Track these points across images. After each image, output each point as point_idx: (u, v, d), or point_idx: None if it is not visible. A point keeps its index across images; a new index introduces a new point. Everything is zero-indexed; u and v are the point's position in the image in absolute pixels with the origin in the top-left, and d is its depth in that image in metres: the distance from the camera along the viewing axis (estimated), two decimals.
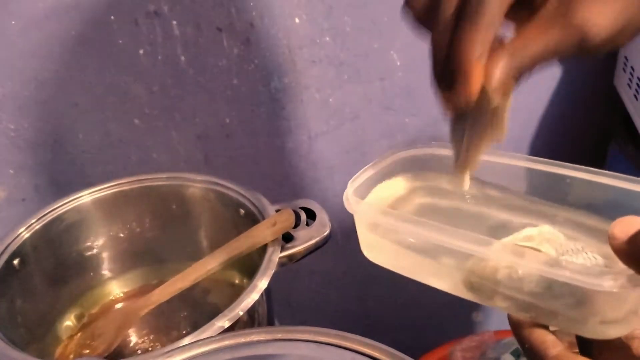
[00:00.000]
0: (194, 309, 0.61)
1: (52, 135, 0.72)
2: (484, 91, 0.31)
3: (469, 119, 0.34)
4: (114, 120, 0.73)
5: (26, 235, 0.56)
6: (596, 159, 0.93)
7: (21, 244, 0.55)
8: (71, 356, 0.55)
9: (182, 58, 0.70)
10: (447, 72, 0.31)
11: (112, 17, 0.66)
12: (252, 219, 0.56)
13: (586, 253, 0.32)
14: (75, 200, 0.60)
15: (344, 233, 0.71)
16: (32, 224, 0.57)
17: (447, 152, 0.39)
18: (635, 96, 0.75)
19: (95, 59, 0.68)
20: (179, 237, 0.64)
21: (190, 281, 0.53)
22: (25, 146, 0.71)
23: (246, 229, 0.54)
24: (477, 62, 0.30)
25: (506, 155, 0.40)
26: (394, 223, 0.35)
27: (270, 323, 0.55)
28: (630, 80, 0.77)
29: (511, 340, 0.69)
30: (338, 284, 0.96)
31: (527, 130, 0.91)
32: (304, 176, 0.84)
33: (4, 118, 0.69)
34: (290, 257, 0.53)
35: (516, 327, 0.33)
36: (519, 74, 0.31)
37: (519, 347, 0.33)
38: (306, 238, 0.54)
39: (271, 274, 0.50)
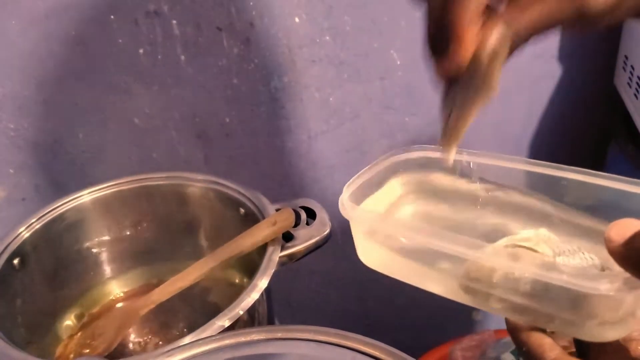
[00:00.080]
0: (194, 309, 0.61)
1: (52, 135, 0.72)
2: (476, 57, 0.31)
3: (460, 87, 0.33)
4: (114, 120, 0.73)
5: (26, 234, 0.56)
6: (596, 159, 0.93)
7: (21, 243, 0.55)
8: (71, 356, 0.55)
9: (182, 58, 0.70)
10: (441, 37, 0.31)
11: (112, 17, 0.66)
12: (252, 218, 0.56)
13: (583, 253, 0.32)
14: (75, 200, 0.60)
15: (344, 232, 0.71)
16: (32, 223, 0.57)
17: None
18: (635, 95, 0.75)
19: (95, 59, 0.68)
20: (179, 236, 0.64)
21: (190, 280, 0.53)
22: (25, 146, 0.71)
23: (246, 228, 0.54)
24: (470, 26, 0.30)
25: (503, 157, 0.40)
26: (389, 228, 0.35)
27: (270, 322, 0.55)
28: (630, 79, 0.77)
29: (511, 339, 0.69)
30: (338, 283, 0.96)
31: (527, 130, 0.91)
32: (304, 175, 0.84)
33: (4, 118, 0.69)
34: (290, 257, 0.53)
35: (514, 331, 0.33)
36: (514, 42, 0.32)
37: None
38: (306, 237, 0.54)
39: (271, 273, 0.50)
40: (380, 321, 1.02)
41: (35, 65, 0.67)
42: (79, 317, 0.61)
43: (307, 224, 0.56)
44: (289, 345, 0.35)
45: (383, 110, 0.82)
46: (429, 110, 0.82)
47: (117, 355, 0.53)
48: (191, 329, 0.46)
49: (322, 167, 0.84)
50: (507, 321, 0.33)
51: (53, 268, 0.59)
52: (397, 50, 0.77)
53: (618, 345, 0.31)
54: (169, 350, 0.37)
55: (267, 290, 0.50)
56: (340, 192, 0.39)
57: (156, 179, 0.62)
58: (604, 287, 0.28)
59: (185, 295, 0.55)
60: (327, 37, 0.74)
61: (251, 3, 0.69)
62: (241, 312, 0.46)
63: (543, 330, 0.32)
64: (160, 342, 0.58)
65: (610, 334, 0.30)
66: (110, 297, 0.64)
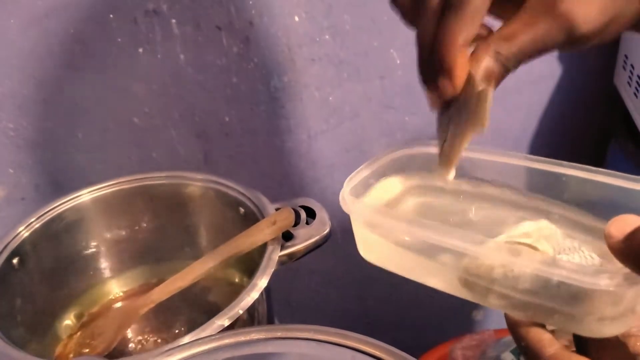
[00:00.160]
0: (194, 308, 0.61)
1: (52, 134, 0.72)
2: (468, 81, 0.31)
3: (454, 111, 0.33)
4: (114, 120, 0.73)
5: (26, 234, 0.56)
6: (596, 158, 0.93)
7: (21, 243, 0.55)
8: (71, 355, 0.55)
9: (182, 57, 0.70)
10: (433, 63, 0.31)
11: (111, 16, 0.66)
12: (252, 217, 0.56)
13: (582, 251, 0.32)
14: (75, 199, 0.60)
15: (344, 232, 0.71)
16: (31, 223, 0.57)
17: None
18: (635, 94, 0.75)
19: (94, 58, 0.68)
20: (179, 236, 0.64)
21: (190, 280, 0.53)
22: (25, 145, 0.71)
23: (246, 227, 0.54)
24: (461, 51, 0.30)
25: (503, 153, 0.40)
26: (389, 222, 0.35)
27: (270, 322, 0.55)
28: (630, 78, 0.77)
29: (511, 338, 0.68)
30: (338, 283, 0.96)
31: (527, 130, 0.91)
32: (303, 175, 0.84)
33: (4, 117, 0.69)
34: (290, 256, 0.53)
35: (513, 326, 0.33)
36: (505, 68, 0.31)
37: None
38: (306, 237, 0.54)
39: (271, 273, 0.50)
40: (380, 320, 1.01)
41: (35, 64, 0.67)
42: (79, 317, 0.61)
43: (307, 223, 0.55)
44: (289, 345, 0.35)
45: (383, 109, 0.82)
46: (429, 110, 0.82)
47: (116, 355, 0.53)
48: (191, 328, 0.46)
49: (321, 166, 0.84)
50: (506, 317, 0.33)
51: (52, 267, 0.59)
52: (397, 50, 0.77)
53: (617, 341, 0.31)
54: (168, 350, 0.37)
55: (267, 290, 0.50)
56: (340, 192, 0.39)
57: (156, 178, 0.62)
58: (604, 282, 0.28)
59: (184, 295, 0.55)
60: (327, 36, 0.74)
61: (250, 2, 0.69)
62: (241, 312, 0.46)
63: (543, 327, 0.32)
64: (160, 342, 0.58)
65: (609, 330, 0.30)
66: (110, 297, 0.63)
